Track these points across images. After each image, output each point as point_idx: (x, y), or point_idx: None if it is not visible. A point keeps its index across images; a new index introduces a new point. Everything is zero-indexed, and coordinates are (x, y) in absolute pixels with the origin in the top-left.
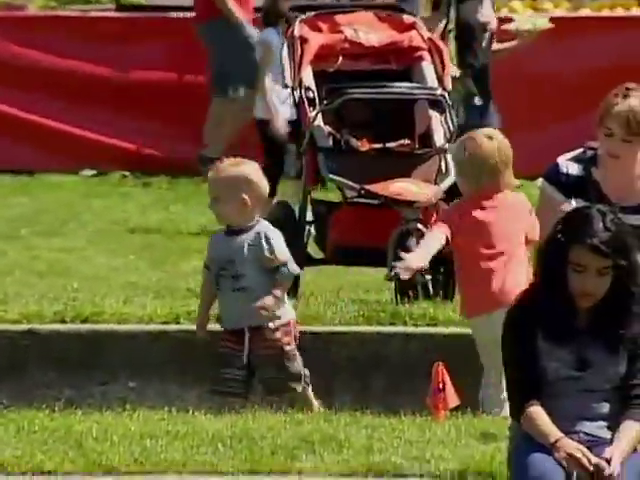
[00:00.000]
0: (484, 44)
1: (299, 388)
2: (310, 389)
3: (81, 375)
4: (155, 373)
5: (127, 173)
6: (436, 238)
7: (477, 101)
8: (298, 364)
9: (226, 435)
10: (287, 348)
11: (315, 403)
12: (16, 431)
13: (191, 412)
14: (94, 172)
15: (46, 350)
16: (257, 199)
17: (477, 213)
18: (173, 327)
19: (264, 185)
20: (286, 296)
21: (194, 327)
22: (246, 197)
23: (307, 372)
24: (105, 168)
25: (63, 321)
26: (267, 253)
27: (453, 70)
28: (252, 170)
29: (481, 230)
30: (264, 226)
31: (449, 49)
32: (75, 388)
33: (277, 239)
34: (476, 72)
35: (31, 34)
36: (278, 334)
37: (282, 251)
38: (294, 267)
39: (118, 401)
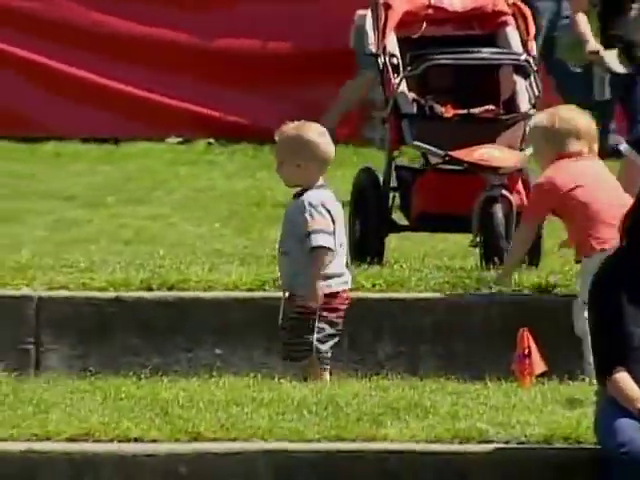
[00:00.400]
0: (634, 13)
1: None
2: (323, 366)
3: (167, 342)
4: (241, 340)
5: (212, 140)
6: (522, 241)
7: (622, 70)
8: (313, 336)
9: (311, 402)
10: (310, 317)
11: (326, 379)
12: (103, 398)
13: (276, 379)
14: (180, 140)
15: (133, 317)
16: (316, 163)
17: (580, 164)
18: (259, 294)
19: (327, 149)
20: (341, 266)
21: (279, 294)
22: (301, 160)
23: (326, 349)
24: (191, 136)
25: (149, 288)
26: (297, 220)
27: (593, 45)
28: (312, 133)
29: (586, 177)
30: (310, 194)
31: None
32: (162, 355)
33: (312, 208)
34: (624, 43)
35: (112, 1)
36: (306, 302)
37: (312, 221)
38: (317, 239)
39: (204, 368)
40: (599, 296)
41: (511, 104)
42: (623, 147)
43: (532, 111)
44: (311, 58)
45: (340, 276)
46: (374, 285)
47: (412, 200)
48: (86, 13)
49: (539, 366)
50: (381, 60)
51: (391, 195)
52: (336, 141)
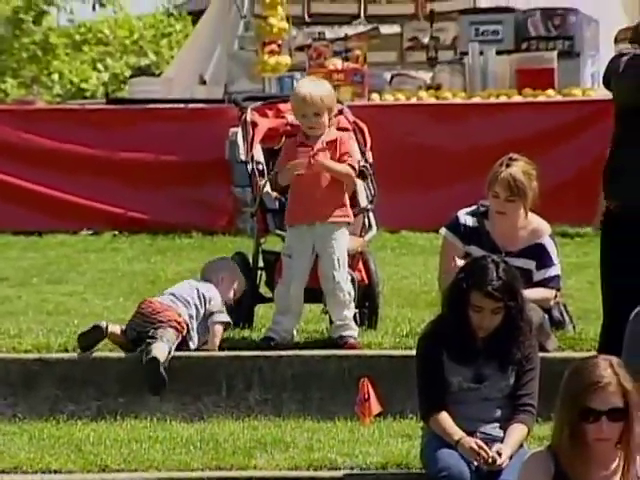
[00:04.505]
0: None
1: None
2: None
3: (81, 393)
4: (140, 390)
5: (117, 232)
6: None
7: None
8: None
9: (196, 439)
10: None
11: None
12: (29, 438)
13: (168, 421)
14: (91, 232)
15: (53, 374)
16: None
17: None
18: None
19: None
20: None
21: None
22: None
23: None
24: (99, 229)
25: (66, 350)
26: None
27: None
28: None
29: None
30: None
31: None
32: (76, 403)
33: None
34: None
35: (39, 123)
36: None
37: None
38: None
39: (110, 413)
40: (424, 354)
41: (353, 200)
42: (442, 231)
43: (369, 206)
44: (195, 165)
45: None
46: (247, 345)
47: (275, 277)
48: (16, 132)
49: (376, 408)
50: (250, 166)
51: (259, 273)
52: (214, 231)
